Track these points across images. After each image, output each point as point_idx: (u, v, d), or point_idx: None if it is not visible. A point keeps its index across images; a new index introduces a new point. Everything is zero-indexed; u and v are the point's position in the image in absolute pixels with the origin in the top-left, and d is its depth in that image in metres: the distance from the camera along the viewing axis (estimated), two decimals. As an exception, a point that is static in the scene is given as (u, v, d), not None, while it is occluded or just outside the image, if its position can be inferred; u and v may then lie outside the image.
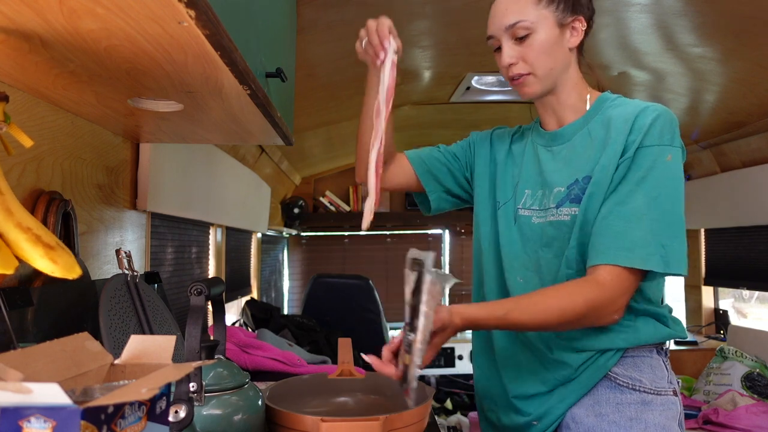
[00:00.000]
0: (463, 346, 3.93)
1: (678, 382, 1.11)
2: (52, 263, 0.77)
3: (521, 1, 1.05)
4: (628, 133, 1.01)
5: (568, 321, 0.97)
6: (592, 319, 0.98)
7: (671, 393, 1.07)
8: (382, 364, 0.92)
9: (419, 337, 0.85)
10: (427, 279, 0.85)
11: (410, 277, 0.90)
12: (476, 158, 1.27)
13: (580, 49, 1.11)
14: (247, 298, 3.06)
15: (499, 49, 1.09)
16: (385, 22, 1.04)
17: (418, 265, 0.88)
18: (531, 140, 1.19)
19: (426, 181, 1.27)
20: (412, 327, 0.88)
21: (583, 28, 1.08)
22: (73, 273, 0.79)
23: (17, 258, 0.76)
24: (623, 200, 0.99)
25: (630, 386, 1.05)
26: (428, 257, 0.87)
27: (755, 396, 2.63)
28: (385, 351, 0.93)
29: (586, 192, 1.03)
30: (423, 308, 0.85)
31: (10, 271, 0.72)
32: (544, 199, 1.11)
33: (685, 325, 1.32)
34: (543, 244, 1.10)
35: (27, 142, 0.80)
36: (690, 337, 3.31)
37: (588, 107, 1.11)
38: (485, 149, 1.26)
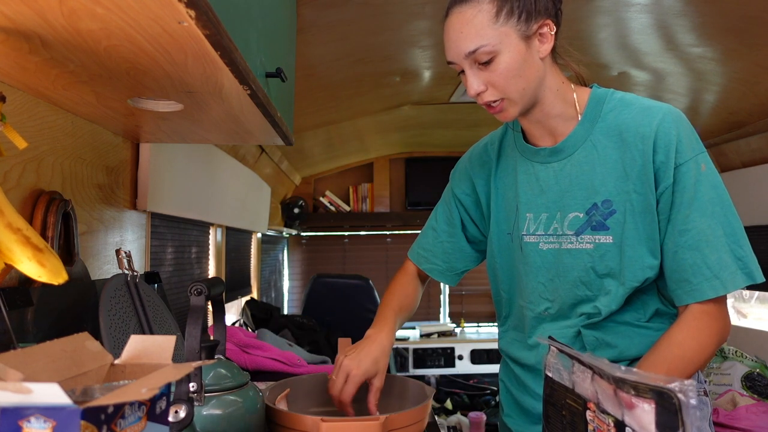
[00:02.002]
0: (462, 346, 3.90)
1: (706, 381, 1.09)
2: (40, 266, 0.75)
3: (476, 21, 0.93)
4: (653, 152, 0.95)
5: (702, 365, 0.96)
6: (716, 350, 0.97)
7: (701, 393, 1.05)
8: None
9: None
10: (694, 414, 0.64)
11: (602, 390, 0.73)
12: (470, 200, 1.20)
13: (554, 51, 1.00)
14: (247, 298, 3.06)
15: (463, 71, 0.98)
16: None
17: (656, 396, 0.65)
18: (521, 155, 1.09)
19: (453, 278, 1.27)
20: None
21: (553, 32, 0.96)
22: (59, 278, 0.77)
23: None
24: (683, 228, 0.94)
25: None
26: (688, 391, 0.63)
27: (755, 396, 2.62)
28: None
29: (613, 219, 0.98)
30: None
31: None
32: (554, 222, 1.04)
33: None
34: (558, 273, 1.03)
35: (21, 143, 0.79)
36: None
37: (579, 109, 1.02)
38: (475, 181, 1.18)
